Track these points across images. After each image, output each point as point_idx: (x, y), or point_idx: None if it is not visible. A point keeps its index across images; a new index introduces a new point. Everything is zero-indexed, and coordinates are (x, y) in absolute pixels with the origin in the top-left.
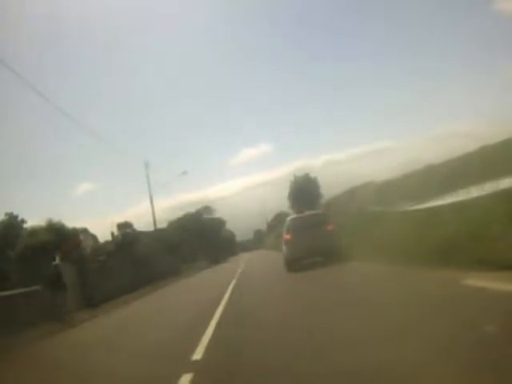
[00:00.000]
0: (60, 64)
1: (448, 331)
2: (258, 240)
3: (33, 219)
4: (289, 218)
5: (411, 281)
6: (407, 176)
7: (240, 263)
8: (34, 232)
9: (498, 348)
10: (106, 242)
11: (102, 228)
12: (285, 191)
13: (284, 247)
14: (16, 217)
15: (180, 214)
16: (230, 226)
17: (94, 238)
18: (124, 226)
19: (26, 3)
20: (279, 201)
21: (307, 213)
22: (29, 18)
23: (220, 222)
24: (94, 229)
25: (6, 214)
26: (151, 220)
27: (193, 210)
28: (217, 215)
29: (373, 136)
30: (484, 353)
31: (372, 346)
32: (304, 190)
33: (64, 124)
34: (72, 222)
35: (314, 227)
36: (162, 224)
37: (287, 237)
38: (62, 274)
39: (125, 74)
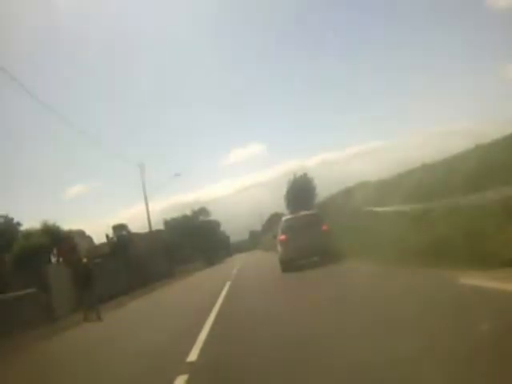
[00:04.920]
0: (54, 66)
1: (443, 329)
2: (253, 241)
3: (28, 222)
4: (283, 219)
5: (406, 280)
6: (402, 175)
7: (235, 264)
8: (29, 235)
9: (492, 346)
10: (102, 244)
11: (98, 230)
12: (279, 192)
13: (279, 248)
14: (11, 219)
15: (174, 215)
16: (224, 226)
17: (89, 240)
18: (119, 228)
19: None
20: (274, 201)
21: (302, 213)
22: (25, 19)
23: (215, 224)
24: (89, 231)
25: (1, 217)
26: (146, 221)
27: (187, 211)
28: (212, 216)
29: (367, 136)
30: (478, 350)
31: (368, 342)
32: (301, 191)
33: (57, 126)
34: (68, 224)
35: (309, 227)
36: (158, 225)
37: (282, 237)
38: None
39: (117, 76)
